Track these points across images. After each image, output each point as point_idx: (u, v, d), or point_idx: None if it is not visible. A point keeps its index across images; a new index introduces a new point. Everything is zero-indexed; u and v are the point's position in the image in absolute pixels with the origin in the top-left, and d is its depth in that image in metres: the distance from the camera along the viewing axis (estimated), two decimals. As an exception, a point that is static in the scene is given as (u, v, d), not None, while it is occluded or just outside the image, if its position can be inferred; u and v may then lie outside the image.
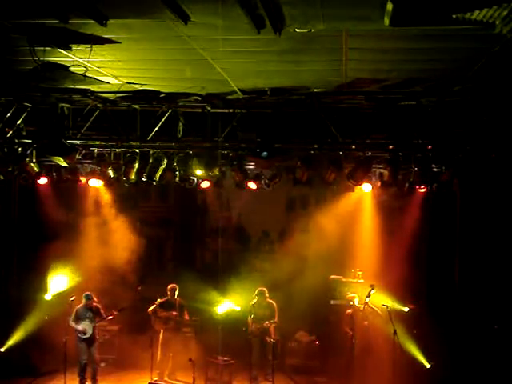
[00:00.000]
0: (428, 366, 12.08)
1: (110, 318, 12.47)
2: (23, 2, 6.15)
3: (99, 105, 11.22)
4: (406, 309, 12.69)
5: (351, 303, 12.49)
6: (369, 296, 11.99)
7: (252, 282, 13.05)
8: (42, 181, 12.51)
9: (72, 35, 7.12)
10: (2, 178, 12.26)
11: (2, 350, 12.97)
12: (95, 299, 12.24)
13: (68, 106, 11.28)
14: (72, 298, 12.28)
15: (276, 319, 12.77)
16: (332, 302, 13.36)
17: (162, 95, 10.53)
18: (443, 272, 13.20)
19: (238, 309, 13.22)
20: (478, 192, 12.18)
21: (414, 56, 7.91)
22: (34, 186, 13.04)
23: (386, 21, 6.01)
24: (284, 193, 14.09)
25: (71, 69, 8.51)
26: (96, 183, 12.53)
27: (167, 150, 11.74)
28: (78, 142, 11.48)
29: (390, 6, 5.63)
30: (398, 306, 12.52)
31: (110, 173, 11.94)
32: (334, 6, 5.96)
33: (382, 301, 12.06)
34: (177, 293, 12.93)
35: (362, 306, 12.15)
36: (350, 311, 12.44)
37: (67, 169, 12.08)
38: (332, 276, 13.64)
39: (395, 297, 12.58)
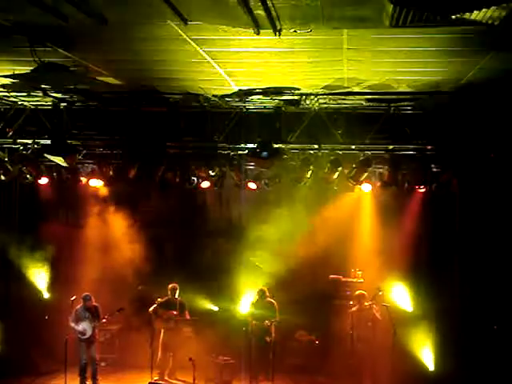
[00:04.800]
0: (427, 366, 12.11)
1: (104, 320, 12.32)
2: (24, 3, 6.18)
3: (100, 105, 11.24)
4: (406, 309, 12.70)
5: (353, 306, 12.50)
6: (374, 298, 12.04)
7: (252, 282, 13.05)
8: (43, 181, 12.53)
9: (73, 35, 7.15)
10: (2, 177, 12.28)
11: (3, 349, 12.96)
12: (93, 299, 12.22)
13: (69, 106, 11.30)
14: (72, 298, 12.26)
15: (277, 318, 12.78)
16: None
17: (162, 95, 10.55)
18: (443, 272, 13.20)
19: (239, 308, 13.23)
20: (477, 192, 12.19)
21: (413, 57, 7.94)
22: (35, 186, 13.04)
23: (386, 21, 6.04)
24: (284, 193, 14.07)
25: (71, 69, 8.55)
26: (96, 183, 12.56)
27: (168, 149, 11.75)
28: (78, 143, 11.51)
29: (389, 7, 5.66)
30: (397, 307, 12.54)
31: (111, 173, 11.94)
32: (333, 6, 5.98)
33: (383, 301, 12.09)
34: (177, 292, 12.94)
35: (368, 305, 12.17)
36: (354, 309, 12.42)
37: (68, 169, 12.09)
38: (331, 276, 13.67)
39: (395, 297, 12.60)
